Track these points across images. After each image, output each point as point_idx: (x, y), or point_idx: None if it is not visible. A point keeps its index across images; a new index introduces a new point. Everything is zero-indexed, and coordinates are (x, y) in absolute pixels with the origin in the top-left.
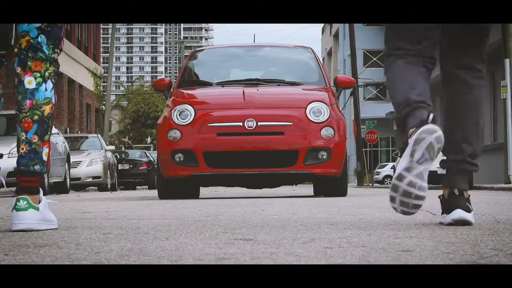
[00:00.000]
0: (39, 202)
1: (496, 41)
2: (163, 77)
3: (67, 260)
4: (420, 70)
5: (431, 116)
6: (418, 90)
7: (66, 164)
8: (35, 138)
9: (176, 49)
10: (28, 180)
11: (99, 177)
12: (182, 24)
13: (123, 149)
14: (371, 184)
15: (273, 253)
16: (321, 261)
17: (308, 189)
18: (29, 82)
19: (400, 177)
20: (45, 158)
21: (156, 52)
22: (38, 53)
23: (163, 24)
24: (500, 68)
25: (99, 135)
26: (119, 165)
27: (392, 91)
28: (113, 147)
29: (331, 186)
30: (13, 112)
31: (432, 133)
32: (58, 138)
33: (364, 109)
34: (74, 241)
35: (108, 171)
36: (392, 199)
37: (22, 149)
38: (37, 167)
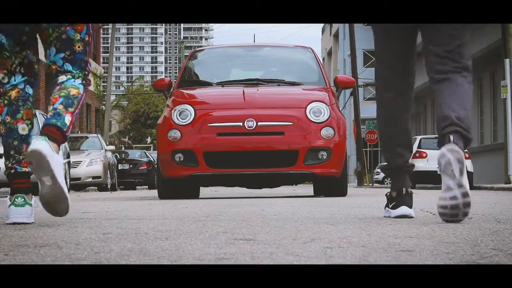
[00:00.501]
0: (31, 198)
1: (496, 41)
2: (163, 77)
3: (67, 260)
4: (405, 111)
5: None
6: (401, 152)
7: (66, 164)
8: (60, 107)
9: (176, 49)
10: (51, 131)
11: (99, 177)
12: (182, 24)
13: (123, 149)
14: (371, 184)
15: (273, 253)
16: (321, 261)
17: (308, 189)
18: (61, 78)
19: (454, 197)
20: (67, 122)
21: (156, 52)
22: (68, 73)
23: (163, 24)
24: (500, 68)
25: (99, 135)
26: (119, 165)
27: (381, 143)
28: (113, 147)
29: (331, 186)
30: None
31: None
32: None
33: (364, 109)
34: (74, 241)
35: (108, 171)
36: (456, 215)
37: (49, 114)
38: (59, 123)
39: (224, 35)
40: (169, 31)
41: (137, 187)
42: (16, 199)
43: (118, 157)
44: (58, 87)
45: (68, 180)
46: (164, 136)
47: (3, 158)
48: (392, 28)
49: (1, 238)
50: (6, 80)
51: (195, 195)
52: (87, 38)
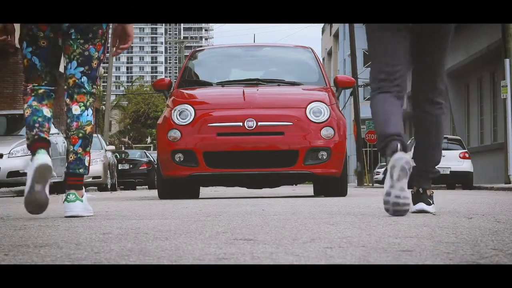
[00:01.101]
0: (82, 196)
1: (496, 41)
2: (163, 77)
3: (67, 260)
4: (394, 102)
5: (399, 146)
6: (392, 123)
7: (66, 164)
8: (80, 150)
9: (176, 49)
10: (75, 180)
11: (99, 177)
12: (182, 24)
13: (123, 149)
14: (371, 184)
15: (273, 253)
16: (321, 261)
17: (308, 189)
18: (75, 109)
19: (388, 194)
20: (87, 164)
21: (156, 52)
22: (81, 89)
23: (163, 24)
24: (500, 68)
25: (99, 135)
26: (119, 165)
27: (374, 124)
28: (113, 147)
29: (331, 186)
30: (13, 112)
31: (401, 159)
32: (58, 138)
33: (364, 109)
34: (74, 241)
35: (108, 171)
36: (387, 209)
37: (71, 157)
38: (81, 170)
39: (224, 35)
40: (169, 31)
41: (137, 187)
42: (68, 196)
43: (118, 157)
44: (75, 124)
45: None
46: (164, 136)
47: (25, 131)
48: (386, 35)
49: (1, 238)
50: (35, 87)
51: (195, 195)
52: (102, 57)
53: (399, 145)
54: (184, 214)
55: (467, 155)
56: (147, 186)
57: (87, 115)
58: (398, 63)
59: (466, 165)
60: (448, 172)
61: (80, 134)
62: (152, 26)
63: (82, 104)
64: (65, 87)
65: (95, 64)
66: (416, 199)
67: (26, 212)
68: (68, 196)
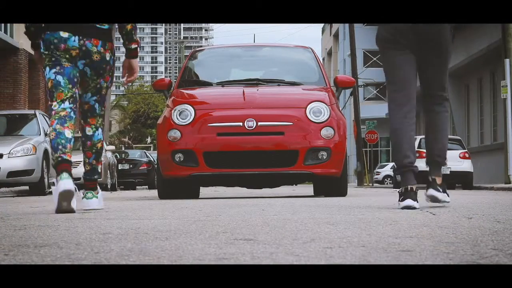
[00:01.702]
0: (98, 193)
1: (496, 41)
2: (163, 77)
3: (67, 260)
4: (410, 128)
5: (414, 175)
6: (408, 154)
7: (84, 171)
8: (93, 162)
9: (176, 49)
10: (91, 184)
11: None
12: (182, 24)
13: (123, 149)
14: (371, 184)
15: (273, 253)
16: (321, 261)
17: (308, 189)
18: (88, 131)
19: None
20: (99, 170)
21: (156, 52)
22: (94, 113)
23: (163, 24)
24: (500, 68)
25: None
26: (119, 165)
27: (392, 149)
28: (113, 147)
29: (331, 186)
30: (13, 112)
31: (410, 205)
32: None
33: (364, 109)
34: (74, 241)
35: (108, 171)
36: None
37: (87, 167)
38: (95, 177)
39: (224, 35)
40: (169, 31)
41: (137, 187)
42: (87, 194)
43: (118, 157)
44: (89, 142)
45: None
46: (164, 136)
47: (51, 152)
48: (400, 62)
49: (1, 238)
50: (57, 107)
51: (195, 195)
52: (109, 85)
53: (413, 175)
54: (184, 214)
55: (467, 155)
56: (147, 186)
57: (98, 134)
58: (410, 84)
59: (466, 165)
60: (448, 172)
61: (93, 150)
62: (152, 26)
63: (93, 126)
64: (81, 110)
65: (104, 92)
66: (428, 186)
67: (27, 212)
68: (87, 195)
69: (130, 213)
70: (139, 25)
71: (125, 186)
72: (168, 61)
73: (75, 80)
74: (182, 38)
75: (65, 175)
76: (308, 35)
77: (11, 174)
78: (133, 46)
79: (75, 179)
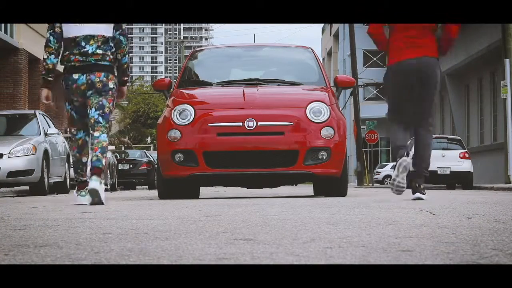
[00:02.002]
0: (102, 178)
1: (496, 41)
2: (163, 77)
3: (67, 260)
4: (402, 130)
5: (404, 152)
6: (399, 139)
7: (66, 164)
8: (99, 154)
9: (176, 49)
10: (97, 169)
11: None
12: (182, 24)
13: (123, 149)
14: (371, 184)
15: (273, 253)
16: (321, 261)
17: (308, 189)
18: (96, 133)
19: (394, 180)
20: (103, 162)
21: (156, 52)
22: (98, 124)
23: (163, 24)
24: (500, 68)
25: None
26: (119, 165)
27: (391, 141)
28: (113, 147)
29: (331, 186)
30: (13, 112)
31: (404, 161)
32: (58, 138)
33: (364, 109)
34: (74, 241)
35: (108, 171)
36: (391, 189)
37: (93, 158)
38: (100, 165)
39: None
40: (169, 31)
41: (137, 187)
42: (92, 177)
43: (118, 157)
44: (96, 140)
45: (68, 180)
46: (164, 136)
47: (73, 170)
48: (399, 83)
49: (1, 238)
50: (75, 134)
51: (195, 195)
52: (111, 107)
53: (404, 152)
54: (184, 214)
55: (467, 155)
56: (147, 186)
57: (103, 136)
58: (405, 107)
59: (466, 165)
60: (448, 172)
61: (99, 145)
62: (152, 26)
63: (100, 131)
64: (89, 123)
65: (107, 110)
66: (414, 191)
67: (27, 212)
68: (92, 177)
69: (130, 213)
70: (139, 25)
71: (125, 186)
72: (168, 61)
73: (84, 112)
74: (182, 38)
75: (83, 193)
76: (308, 35)
77: (11, 174)
78: (125, 78)
79: (73, 179)
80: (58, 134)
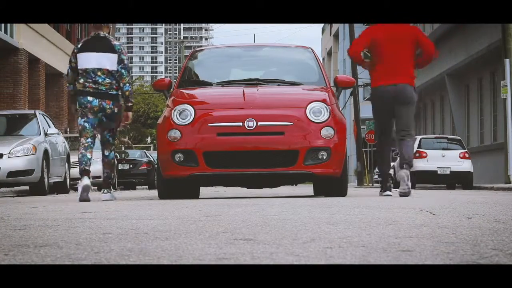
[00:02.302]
0: (111, 190)
1: (496, 41)
2: (163, 77)
3: (67, 260)
4: (388, 153)
5: (390, 175)
6: (388, 166)
7: (66, 164)
8: (108, 170)
9: (176, 49)
10: (106, 184)
11: (99, 177)
12: (182, 24)
13: (123, 149)
14: (371, 184)
15: (273, 253)
16: (321, 261)
17: (308, 189)
18: (106, 152)
19: (403, 189)
20: (112, 176)
21: (156, 52)
22: (108, 142)
23: (163, 24)
24: (500, 68)
25: (98, 135)
26: (119, 165)
27: (381, 168)
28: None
29: (331, 186)
30: (13, 112)
31: (401, 173)
32: (58, 138)
33: (364, 109)
34: (74, 241)
35: None
36: (403, 193)
37: (104, 174)
38: (109, 180)
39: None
40: (169, 31)
41: (137, 187)
42: (103, 190)
43: (118, 157)
44: (106, 159)
45: (68, 180)
46: (164, 136)
47: (78, 163)
48: (382, 106)
49: (1, 238)
50: (83, 141)
51: (195, 195)
52: (118, 128)
53: (390, 173)
54: (184, 214)
55: (467, 155)
56: (147, 186)
57: (111, 155)
58: (389, 123)
59: (466, 165)
60: (448, 172)
61: (110, 163)
62: (152, 26)
63: (109, 149)
64: (100, 142)
65: (115, 131)
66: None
67: (27, 212)
68: (103, 190)
69: (130, 213)
70: (139, 25)
71: (125, 186)
72: (168, 61)
73: (95, 125)
74: (182, 38)
75: (85, 178)
76: (308, 35)
77: (11, 174)
78: (130, 104)
79: (73, 179)
80: (58, 134)
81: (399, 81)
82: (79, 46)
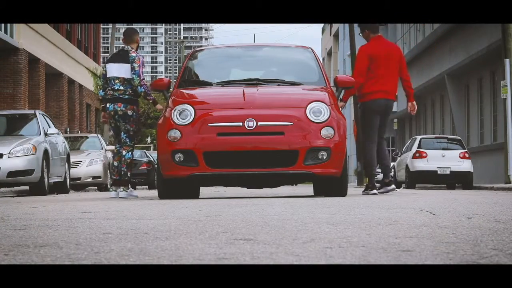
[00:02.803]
0: (128, 189)
1: (496, 41)
2: (162, 77)
3: (67, 260)
4: (374, 149)
5: (375, 170)
6: (374, 160)
7: (66, 164)
8: (125, 169)
9: (176, 49)
10: (122, 182)
11: (99, 177)
12: (182, 24)
13: None
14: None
15: (273, 253)
16: (321, 261)
17: (308, 189)
18: (123, 152)
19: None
20: (128, 175)
21: (156, 52)
22: (126, 143)
23: (163, 24)
24: (500, 68)
25: (99, 135)
26: None
27: (367, 160)
28: (113, 147)
29: (331, 186)
30: (13, 112)
31: (389, 190)
32: (58, 138)
33: None
34: (74, 241)
35: (108, 171)
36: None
37: (121, 173)
38: (126, 178)
39: (224, 35)
40: (169, 31)
41: (137, 187)
42: (120, 188)
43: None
44: (123, 159)
45: (68, 180)
46: (164, 136)
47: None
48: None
49: (1, 238)
50: (113, 147)
51: (195, 195)
52: (133, 130)
53: (375, 171)
54: (184, 214)
55: (467, 155)
56: (147, 186)
57: (128, 155)
58: (376, 131)
59: (466, 165)
60: (448, 172)
61: (125, 163)
62: (152, 26)
63: (127, 150)
64: (114, 147)
65: (132, 133)
66: (382, 186)
67: (27, 212)
68: (120, 188)
69: (130, 213)
70: (139, 25)
71: None
72: (168, 61)
73: (118, 131)
74: (182, 38)
75: (113, 187)
76: (308, 35)
77: (11, 174)
78: (151, 99)
79: (73, 179)
80: (58, 134)
81: (390, 98)
82: (108, 57)
